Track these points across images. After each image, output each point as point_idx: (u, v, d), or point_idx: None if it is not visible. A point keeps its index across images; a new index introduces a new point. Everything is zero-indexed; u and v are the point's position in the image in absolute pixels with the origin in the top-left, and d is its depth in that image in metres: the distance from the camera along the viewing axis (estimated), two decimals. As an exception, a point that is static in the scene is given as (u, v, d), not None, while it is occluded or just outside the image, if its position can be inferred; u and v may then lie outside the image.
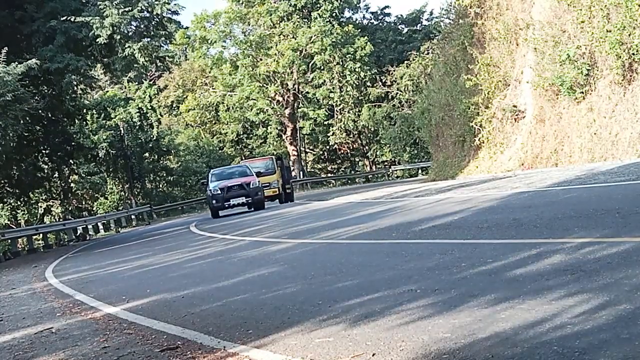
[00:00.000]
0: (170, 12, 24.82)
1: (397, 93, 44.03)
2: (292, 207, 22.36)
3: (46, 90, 26.16)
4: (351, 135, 49.96)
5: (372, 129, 47.77)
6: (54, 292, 10.04)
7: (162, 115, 52.77)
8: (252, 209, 24.41)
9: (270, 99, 45.69)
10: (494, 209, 9.53)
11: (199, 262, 10.58)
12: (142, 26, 24.60)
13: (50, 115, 27.00)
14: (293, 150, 48.70)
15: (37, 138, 27.45)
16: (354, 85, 44.77)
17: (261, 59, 44.55)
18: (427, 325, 4.20)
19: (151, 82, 51.28)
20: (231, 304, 6.25)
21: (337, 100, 45.37)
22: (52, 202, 35.67)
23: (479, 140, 19.00)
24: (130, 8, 22.80)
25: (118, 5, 22.49)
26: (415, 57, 41.35)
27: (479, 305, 4.38)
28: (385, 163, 51.18)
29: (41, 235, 25.87)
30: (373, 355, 3.86)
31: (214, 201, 23.85)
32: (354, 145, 51.90)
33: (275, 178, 30.77)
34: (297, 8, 45.09)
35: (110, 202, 43.82)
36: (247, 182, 24.04)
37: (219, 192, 23.70)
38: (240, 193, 23.63)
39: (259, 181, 24.61)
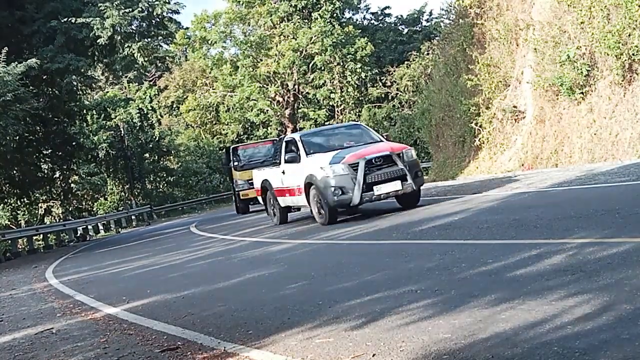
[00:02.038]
0: (170, 11, 24.84)
1: (397, 93, 44.04)
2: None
3: (46, 91, 26.14)
4: (351, 136, 49.82)
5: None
6: (54, 292, 10.05)
7: (162, 116, 52.82)
8: (403, 206, 12.25)
9: (270, 99, 45.69)
10: (494, 209, 9.53)
11: (200, 262, 10.59)
12: (142, 26, 24.60)
13: (50, 115, 26.98)
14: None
15: (37, 138, 27.44)
16: (355, 85, 44.77)
17: (261, 60, 44.55)
18: (428, 325, 4.20)
19: (151, 83, 51.32)
20: (231, 305, 6.25)
21: (337, 101, 45.38)
22: (53, 202, 35.68)
23: (479, 140, 19.00)
24: (130, 9, 22.81)
25: (118, 6, 22.49)
26: (416, 57, 41.35)
27: (479, 306, 4.38)
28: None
29: (41, 235, 25.85)
30: (373, 355, 3.86)
31: (334, 189, 11.29)
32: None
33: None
34: (298, 9, 45.08)
35: (110, 202, 43.80)
36: (396, 150, 11.74)
37: (346, 172, 11.27)
38: (390, 173, 11.38)
39: (412, 150, 12.22)
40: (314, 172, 11.59)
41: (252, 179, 23.36)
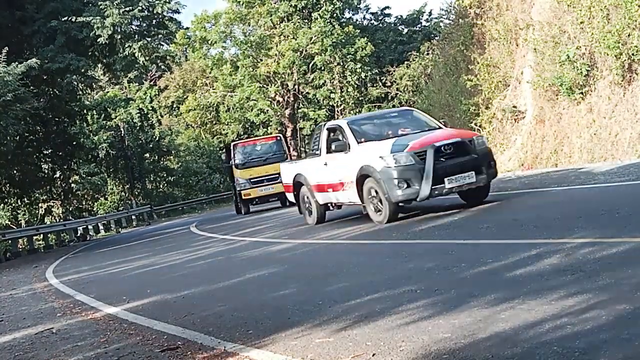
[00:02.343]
0: (170, 10, 24.84)
1: (397, 93, 44.02)
2: (292, 207, 22.04)
3: (46, 91, 26.15)
4: (351, 136, 49.82)
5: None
6: (55, 292, 10.05)
7: (162, 116, 52.83)
8: (468, 202, 10.58)
9: (270, 99, 45.68)
10: (494, 209, 9.53)
11: (200, 262, 10.59)
12: (143, 25, 24.62)
13: (50, 115, 26.99)
14: (293, 151, 48.68)
15: (37, 138, 27.46)
16: (355, 85, 44.76)
17: (261, 60, 44.53)
18: (427, 325, 4.21)
19: (151, 83, 51.33)
20: (231, 305, 6.25)
21: (337, 101, 45.37)
22: (53, 202, 35.67)
23: (479, 140, 19.00)
24: (130, 8, 22.82)
25: (119, 5, 22.51)
26: (415, 57, 41.34)
27: (479, 306, 4.38)
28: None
29: (42, 235, 25.86)
30: (373, 355, 3.86)
31: (398, 182, 9.62)
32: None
33: None
34: (298, 9, 45.07)
35: (110, 202, 43.82)
36: (467, 137, 10.22)
37: (411, 161, 9.61)
38: (463, 163, 9.76)
39: (484, 137, 10.81)
40: (371, 162, 9.91)
41: (253, 177, 22.24)
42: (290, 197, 13.43)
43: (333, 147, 11.06)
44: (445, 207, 10.47)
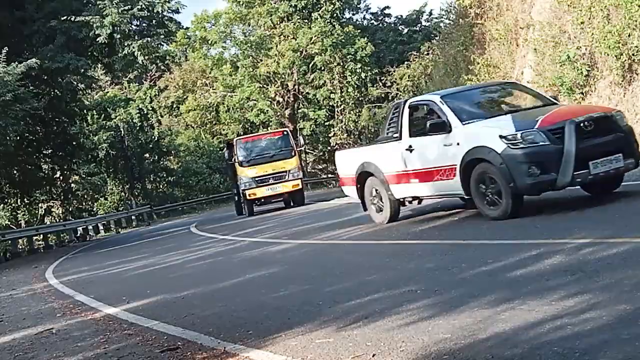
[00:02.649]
0: (170, 10, 24.86)
1: (397, 93, 44.00)
2: (292, 207, 21.92)
3: (47, 90, 26.16)
4: (352, 136, 49.96)
5: (373, 130, 47.77)
6: (54, 292, 10.04)
7: (162, 116, 52.81)
8: (593, 193, 8.74)
9: (270, 99, 45.67)
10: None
11: (200, 262, 10.59)
12: (142, 25, 24.63)
13: (50, 115, 26.99)
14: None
15: (37, 138, 27.46)
16: (355, 85, 44.76)
17: (261, 60, 44.53)
18: (428, 326, 4.20)
19: (151, 83, 51.32)
20: (231, 305, 6.25)
21: (337, 101, 45.37)
22: (53, 202, 35.66)
23: (479, 140, 19.00)
24: (130, 6, 22.83)
25: (118, 4, 22.52)
26: (416, 57, 41.34)
27: (479, 306, 4.38)
28: (386, 164, 51.20)
29: (41, 235, 25.85)
30: (373, 356, 3.86)
31: (529, 167, 7.72)
32: (355, 146, 51.83)
33: (295, 164, 21.03)
34: (298, 9, 45.08)
35: (110, 202, 43.82)
36: (607, 111, 8.76)
37: (545, 141, 7.72)
38: (610, 143, 7.88)
39: (622, 113, 9.06)
40: (487, 143, 7.98)
41: (259, 176, 20.31)
42: (350, 191, 11.04)
43: (424, 128, 8.98)
44: (446, 208, 10.36)
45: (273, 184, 20.43)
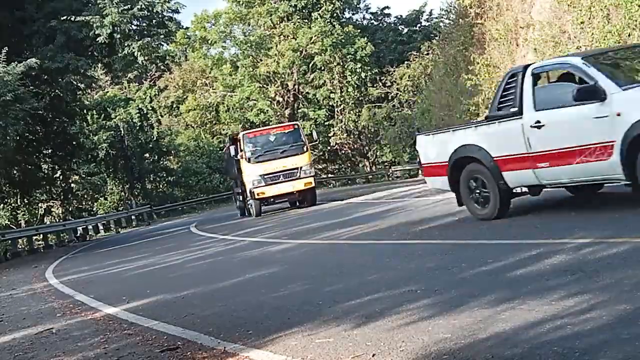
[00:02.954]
0: (170, 10, 24.86)
1: (397, 93, 44.01)
2: (292, 208, 21.78)
3: (47, 90, 26.16)
4: (352, 136, 49.99)
5: (372, 130, 47.83)
6: (54, 292, 10.04)
7: (162, 116, 52.82)
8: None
9: (270, 99, 45.68)
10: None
11: (199, 262, 10.59)
12: (142, 25, 24.62)
13: (50, 115, 26.99)
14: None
15: (37, 138, 27.45)
16: (355, 85, 44.78)
17: (261, 60, 44.54)
18: (428, 325, 4.20)
19: (151, 83, 51.33)
20: (231, 305, 6.24)
21: (337, 101, 45.38)
22: (53, 202, 35.66)
23: (479, 140, 18.98)
24: (130, 6, 22.83)
25: (118, 4, 22.53)
26: (415, 57, 41.34)
27: (480, 306, 4.38)
28: (386, 164, 51.19)
29: (41, 235, 25.84)
30: (373, 355, 3.86)
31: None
32: (355, 146, 51.88)
33: (307, 160, 19.54)
34: (298, 8, 45.09)
35: (110, 202, 43.82)
36: None
37: None
38: None
39: None
40: None
41: (268, 173, 18.65)
42: (438, 182, 9.17)
43: (577, 93, 6.88)
44: (446, 208, 10.26)
45: (284, 181, 18.90)
